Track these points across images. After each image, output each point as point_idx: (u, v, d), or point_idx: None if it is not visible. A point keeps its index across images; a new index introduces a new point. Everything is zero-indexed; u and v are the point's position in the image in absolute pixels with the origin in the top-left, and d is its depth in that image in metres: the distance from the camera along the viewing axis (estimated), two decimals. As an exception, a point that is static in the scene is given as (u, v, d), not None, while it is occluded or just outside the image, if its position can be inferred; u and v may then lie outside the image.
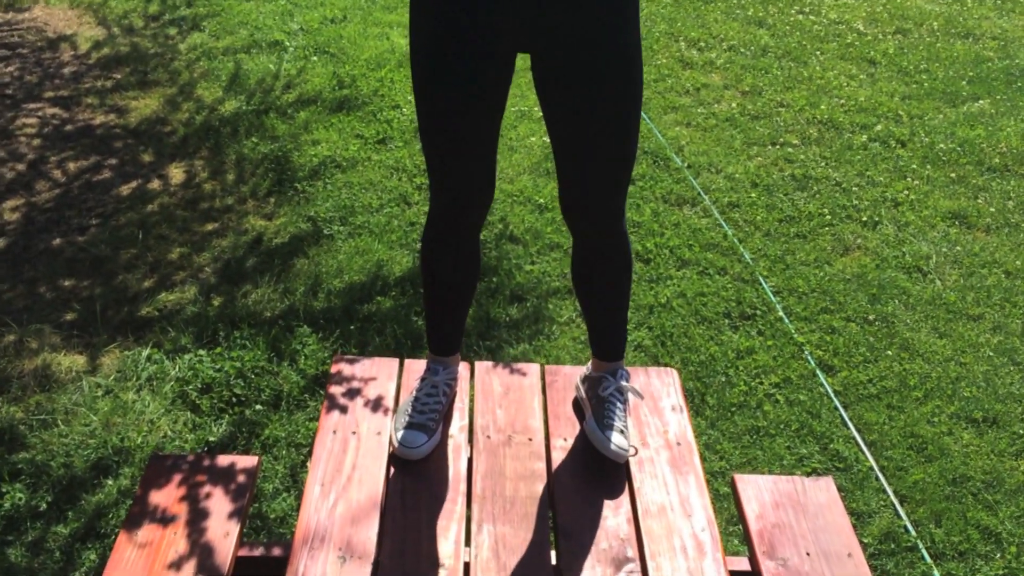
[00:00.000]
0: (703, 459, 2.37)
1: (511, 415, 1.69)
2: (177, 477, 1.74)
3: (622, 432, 1.60)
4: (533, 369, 1.81)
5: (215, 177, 3.51)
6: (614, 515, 1.52)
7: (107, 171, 3.52)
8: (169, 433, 2.36)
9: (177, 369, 2.54)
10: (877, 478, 2.33)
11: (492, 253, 3.13)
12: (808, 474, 2.34)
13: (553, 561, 1.48)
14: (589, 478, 1.57)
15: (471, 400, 1.74)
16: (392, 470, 1.58)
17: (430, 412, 1.63)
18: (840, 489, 2.29)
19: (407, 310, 2.83)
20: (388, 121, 3.91)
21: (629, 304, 1.69)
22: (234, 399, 2.46)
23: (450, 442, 1.64)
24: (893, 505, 2.25)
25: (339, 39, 4.64)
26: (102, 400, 2.47)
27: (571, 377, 1.79)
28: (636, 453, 1.62)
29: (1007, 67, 4.66)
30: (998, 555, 2.14)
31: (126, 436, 2.35)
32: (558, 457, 1.62)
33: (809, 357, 2.71)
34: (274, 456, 2.32)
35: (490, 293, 2.92)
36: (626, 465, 1.61)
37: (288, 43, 4.59)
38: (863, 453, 2.39)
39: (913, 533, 2.17)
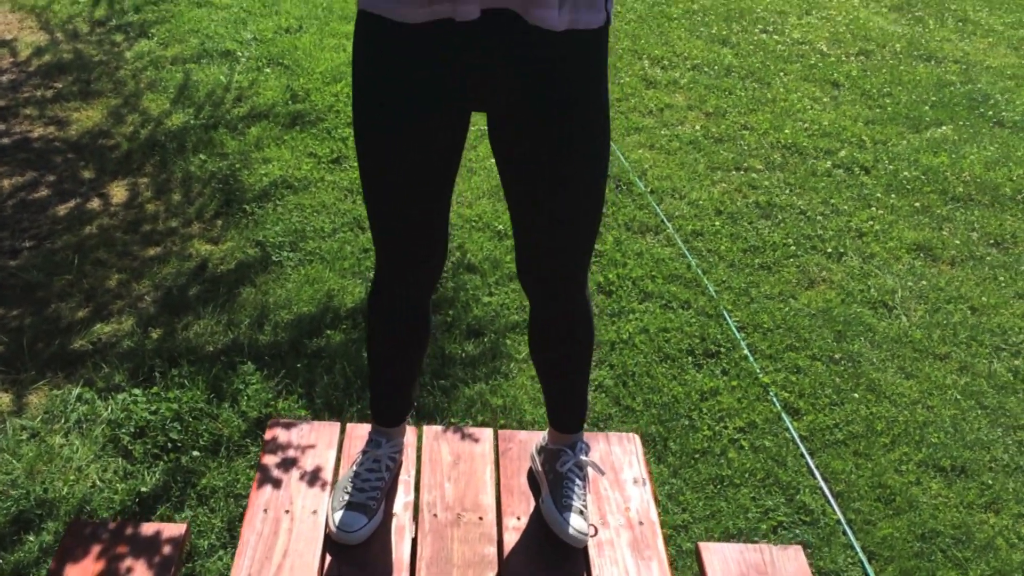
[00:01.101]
0: (665, 526, 2.27)
1: (460, 489, 1.57)
2: (96, 548, 1.60)
3: (581, 513, 1.49)
4: (485, 435, 1.69)
5: (159, 197, 3.34)
6: (572, 605, 1.41)
7: (44, 189, 3.34)
8: (98, 483, 2.21)
9: (109, 410, 2.38)
10: (845, 532, 2.25)
11: (449, 284, 3.01)
12: (774, 528, 2.25)
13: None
14: (543, 566, 1.46)
15: (417, 471, 1.62)
16: (328, 557, 1.45)
17: (371, 490, 1.50)
18: (807, 546, 2.21)
19: (357, 345, 2.69)
20: (343, 139, 3.77)
21: (590, 374, 1.58)
22: (169, 444, 2.31)
23: (393, 521, 1.52)
24: (862, 563, 2.17)
25: (294, 50, 4.48)
26: (27, 444, 2.31)
27: (526, 445, 1.68)
28: (596, 533, 1.52)
29: (969, 91, 4.66)
30: (968, 616, 2.07)
31: (51, 486, 2.19)
32: (511, 539, 1.51)
33: (775, 399, 2.63)
34: (210, 508, 2.18)
35: (446, 327, 2.80)
36: (584, 548, 1.50)
37: (240, 53, 4.42)
38: (830, 505, 2.31)
39: (881, 592, 2.10)
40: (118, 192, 3.35)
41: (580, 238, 1.36)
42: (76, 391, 2.44)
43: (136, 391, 2.43)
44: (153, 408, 2.37)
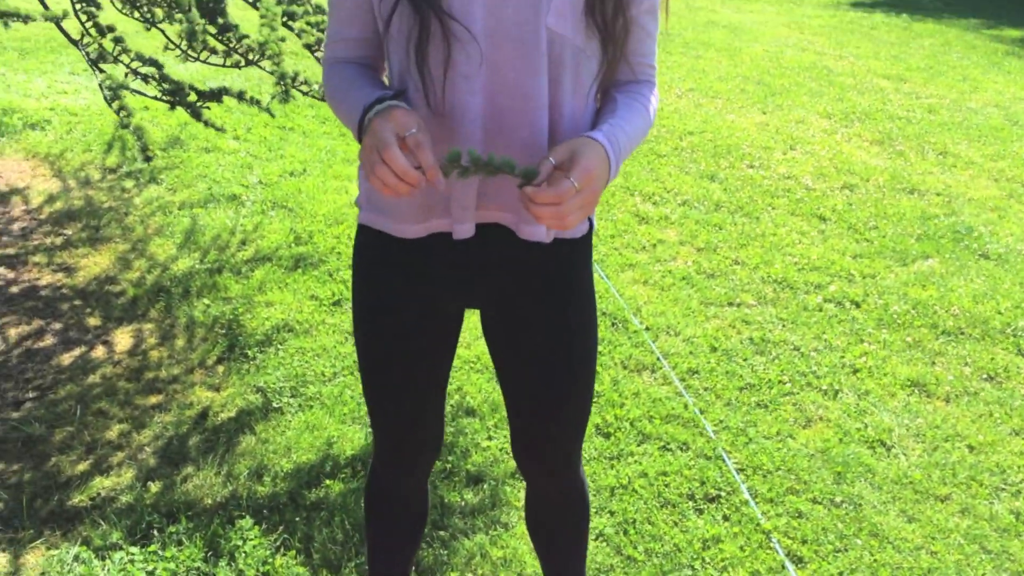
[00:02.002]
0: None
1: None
2: None
3: None
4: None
5: (163, 343, 3.40)
6: None
7: (50, 337, 3.40)
8: (93, 648, 2.17)
9: (106, 571, 2.36)
10: None
11: (448, 428, 3.03)
12: None
13: None
14: None
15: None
16: None
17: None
18: None
19: (356, 495, 2.69)
20: (344, 281, 3.85)
21: (587, 549, 1.59)
22: (167, 606, 2.28)
23: None
24: None
25: (298, 193, 4.64)
26: (22, 607, 2.28)
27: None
28: None
29: (953, 224, 4.79)
30: None
31: (45, 652, 2.15)
32: None
33: (778, 547, 2.61)
34: (207, 675, 2.14)
35: (445, 474, 2.81)
36: None
37: (246, 197, 4.57)
38: (837, 660, 2.27)
39: None
40: (122, 339, 3.41)
41: (573, 421, 1.41)
42: (74, 551, 2.42)
43: (133, 550, 2.42)
44: (150, 568, 2.35)
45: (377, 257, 1.33)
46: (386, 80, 1.41)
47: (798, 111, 6.55)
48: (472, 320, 3.66)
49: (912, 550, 2.64)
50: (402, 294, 1.33)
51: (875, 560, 2.59)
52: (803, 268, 4.25)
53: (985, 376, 3.51)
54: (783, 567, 2.55)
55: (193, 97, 2.83)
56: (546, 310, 1.33)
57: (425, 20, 1.20)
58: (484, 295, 1.34)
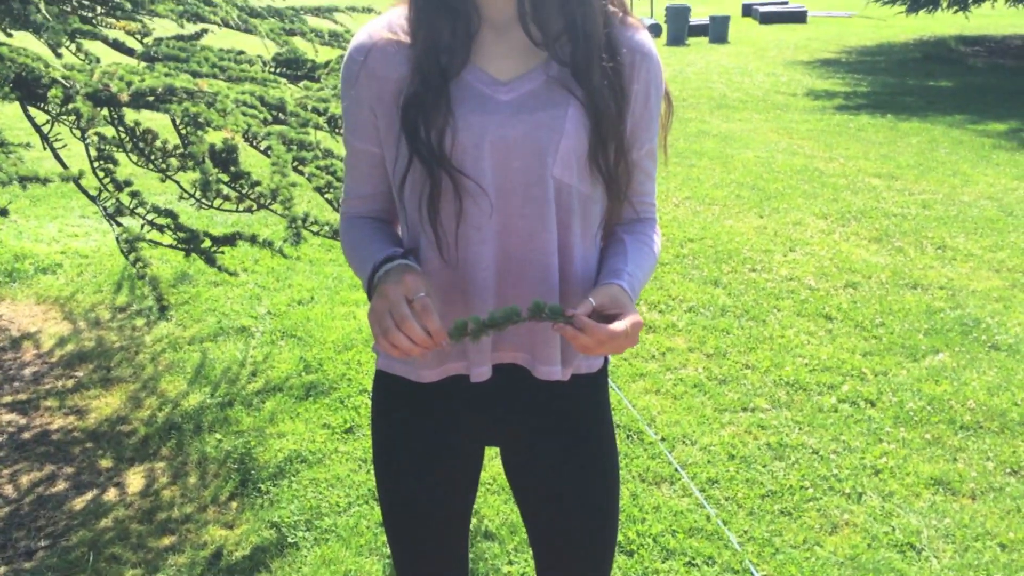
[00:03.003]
0: None
1: None
2: None
3: None
4: None
5: (175, 481, 3.37)
6: None
7: (62, 482, 3.37)
8: None
9: None
10: None
11: (467, 555, 2.96)
12: None
13: None
14: None
15: None
16: None
17: None
18: None
19: (378, 631, 2.61)
20: (355, 408, 3.85)
21: None
22: None
23: None
24: None
25: (306, 321, 4.68)
26: None
27: None
28: None
29: (960, 317, 4.80)
30: None
31: None
32: None
33: (814, 663, 2.52)
34: None
35: (467, 604, 2.73)
36: None
37: (255, 328, 4.62)
38: None
39: None
40: (134, 480, 3.38)
41: (600, 556, 1.40)
42: None
43: None
44: None
45: (397, 402, 1.36)
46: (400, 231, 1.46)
47: (794, 213, 6.67)
48: (485, 440, 3.64)
49: (955, 660, 2.54)
50: (423, 436, 1.35)
51: (918, 672, 2.49)
52: (814, 369, 4.24)
53: (1009, 470, 3.45)
54: None
55: (207, 243, 2.91)
56: (569, 449, 1.34)
57: (436, 178, 1.27)
58: (505, 434, 1.36)
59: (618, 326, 1.18)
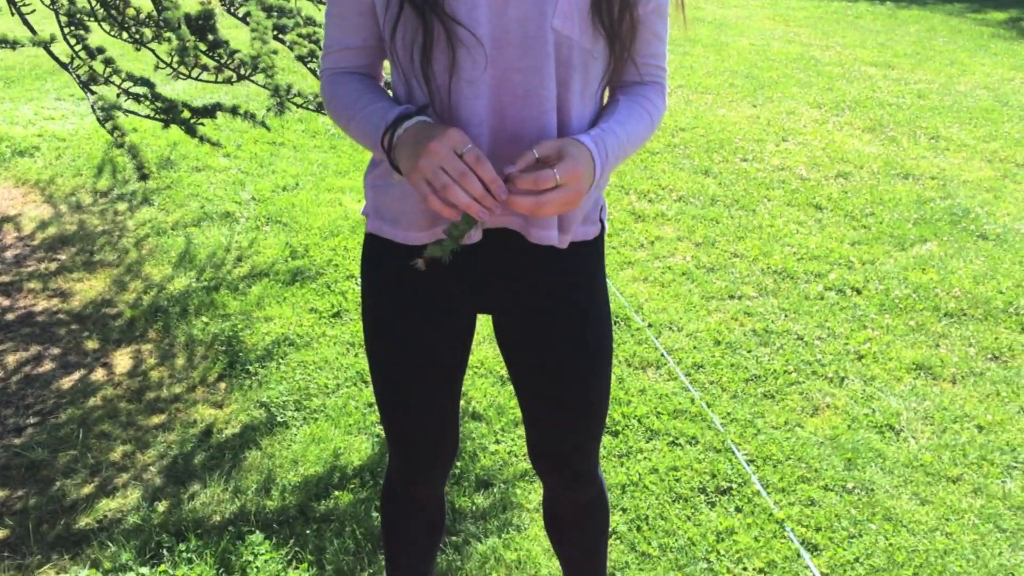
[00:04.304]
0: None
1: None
2: None
3: None
4: (505, 609, 1.66)
5: (163, 363, 3.38)
6: None
7: (48, 362, 3.37)
8: (106, 672, 2.14)
9: (117, 593, 2.33)
10: (877, 676, 2.17)
11: (454, 434, 3.00)
12: (804, 676, 2.18)
13: None
14: None
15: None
16: None
17: None
18: None
19: (367, 505, 2.67)
20: (343, 292, 3.84)
21: (607, 550, 1.57)
22: (179, 625, 2.26)
23: None
24: None
25: (291, 207, 4.62)
26: (32, 634, 2.25)
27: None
28: None
29: (949, 207, 4.78)
30: None
31: None
32: None
33: (792, 535, 2.59)
34: None
35: (455, 480, 2.78)
36: None
37: (240, 214, 4.55)
38: (859, 647, 2.25)
39: None
40: (122, 361, 3.38)
41: (591, 427, 1.39)
42: (83, 573, 2.39)
43: (144, 570, 2.39)
44: (161, 587, 2.32)
45: (385, 266, 1.32)
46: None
47: (788, 102, 6.55)
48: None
49: (927, 532, 2.62)
50: (412, 301, 1.32)
51: (890, 544, 2.57)
52: (802, 258, 4.24)
53: (990, 356, 3.50)
54: (798, 555, 2.53)
55: (187, 114, 2.81)
56: (561, 316, 1.31)
57: (429, 25, 1.18)
58: (496, 300, 1.33)
59: (544, 174, 1.12)
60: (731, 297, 3.91)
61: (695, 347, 3.54)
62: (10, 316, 3.64)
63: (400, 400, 1.35)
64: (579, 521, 1.46)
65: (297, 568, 2.44)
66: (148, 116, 3.02)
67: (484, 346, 3.50)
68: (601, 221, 1.35)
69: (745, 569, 2.49)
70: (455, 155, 1.12)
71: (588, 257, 1.33)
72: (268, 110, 2.06)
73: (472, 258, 1.27)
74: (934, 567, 2.50)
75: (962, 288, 3.95)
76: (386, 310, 1.33)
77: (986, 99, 6.69)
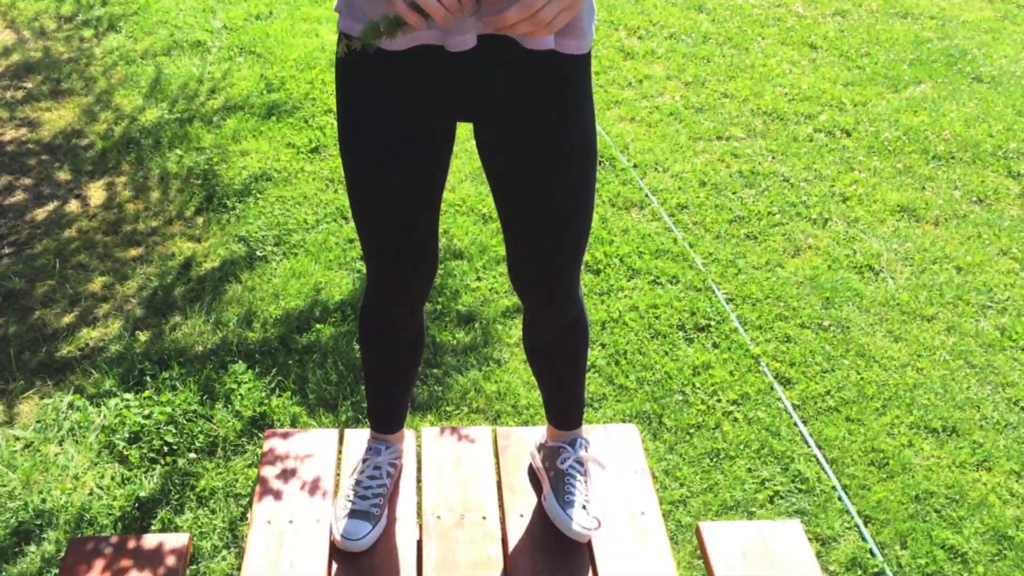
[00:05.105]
0: (664, 502, 2.29)
1: (462, 490, 1.58)
2: (100, 563, 1.59)
3: (584, 508, 1.49)
4: (483, 434, 1.69)
5: (138, 196, 3.31)
6: (577, 599, 1.43)
7: (20, 193, 3.30)
8: (96, 490, 2.20)
9: (102, 417, 2.37)
10: (841, 498, 2.27)
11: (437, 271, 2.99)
12: (771, 498, 2.27)
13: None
14: (549, 562, 1.47)
15: (418, 475, 1.62)
16: (334, 565, 1.46)
17: (373, 497, 1.50)
18: (803, 513, 2.23)
19: (348, 338, 2.69)
20: (321, 128, 3.73)
21: (585, 374, 1.58)
22: (165, 448, 2.31)
23: (397, 526, 1.52)
24: (858, 527, 2.20)
25: (265, 37, 4.42)
26: (21, 455, 2.29)
27: (524, 441, 1.68)
28: (599, 526, 1.52)
29: (946, 48, 4.65)
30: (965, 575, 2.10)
31: (49, 496, 2.18)
32: (515, 537, 1.51)
33: (766, 370, 2.65)
34: (211, 510, 2.18)
35: (436, 315, 2.80)
36: (588, 543, 1.51)
37: (211, 43, 4.36)
38: (825, 472, 2.34)
39: (879, 557, 2.13)
40: (96, 193, 3.31)
41: (572, 242, 1.36)
42: (67, 399, 2.42)
43: (128, 396, 2.42)
44: (146, 412, 2.36)
45: (361, 67, 1.24)
46: None
47: (788, -65, 6.23)
48: (455, 163, 3.57)
49: (898, 368, 2.68)
50: (389, 106, 1.25)
51: (861, 378, 2.64)
52: (793, 99, 4.14)
53: (975, 199, 3.48)
54: (771, 388, 2.59)
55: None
56: (545, 124, 1.25)
57: None
58: (476, 108, 1.26)
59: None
60: (719, 138, 3.84)
61: (680, 188, 3.50)
62: (-23, 146, 3.53)
63: (378, 205, 1.31)
64: (557, 343, 1.46)
65: (280, 396, 2.47)
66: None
67: (466, 184, 3.44)
68: (591, 36, 1.27)
69: (719, 401, 2.55)
70: None
71: (575, 70, 1.26)
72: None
73: (458, 63, 1.20)
74: (902, 400, 2.57)
75: (953, 131, 3.89)
76: (360, 114, 1.26)
77: (994, -65, 6.38)
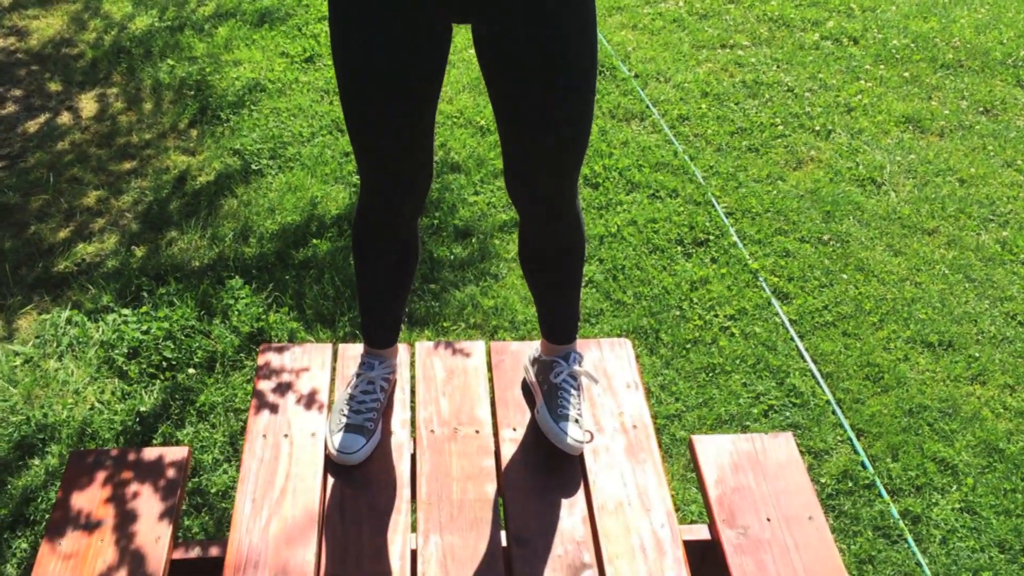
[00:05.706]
0: (659, 417, 2.31)
1: (456, 404, 1.59)
2: (101, 475, 1.62)
3: (576, 421, 1.50)
4: (478, 348, 1.69)
5: (131, 107, 3.25)
6: (569, 515, 1.45)
7: (11, 104, 3.24)
8: (97, 404, 2.23)
9: (101, 332, 2.38)
10: (834, 412, 2.30)
11: (433, 185, 2.96)
12: (765, 412, 2.30)
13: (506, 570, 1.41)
14: (542, 474, 1.49)
15: (412, 388, 1.63)
16: (330, 478, 1.48)
17: (367, 412, 1.51)
18: (797, 427, 2.26)
19: (344, 253, 2.68)
20: (315, 36, 3.64)
21: (581, 286, 1.56)
22: (164, 363, 2.33)
23: (391, 439, 1.54)
24: (851, 440, 2.23)
25: (257, -59, 4.27)
26: (22, 370, 2.32)
27: (518, 356, 1.68)
28: (592, 439, 1.54)
29: (961, -49, 4.48)
30: (954, 488, 2.14)
31: (50, 410, 2.21)
32: (508, 451, 1.53)
33: (764, 285, 2.64)
34: (211, 424, 2.21)
35: (433, 230, 2.78)
36: (580, 456, 1.52)
37: (201, -53, 4.21)
38: (820, 386, 2.36)
39: (870, 470, 2.16)
40: (87, 104, 3.26)
41: (569, 147, 1.32)
42: (65, 314, 2.43)
43: (126, 311, 2.43)
44: (144, 328, 2.37)
45: None
46: None
47: None
48: (453, 74, 3.49)
49: (896, 282, 2.67)
50: (381, 6, 1.20)
51: (859, 293, 2.63)
52: (800, 4, 4.02)
53: (981, 109, 3.41)
54: (769, 303, 2.59)
55: None
56: (542, 20, 1.21)
57: None
58: (473, 8, 1.21)
59: None
60: (723, 46, 3.75)
61: (681, 98, 3.43)
62: (-37, 56, 3.45)
63: (370, 109, 1.27)
64: (553, 252, 1.44)
65: (278, 312, 2.48)
66: None
67: (463, 95, 3.38)
68: None
69: (716, 316, 2.56)
70: None
71: None
72: None
73: None
74: (900, 314, 2.57)
75: (962, 38, 3.79)
76: (354, 14, 1.22)
77: None
